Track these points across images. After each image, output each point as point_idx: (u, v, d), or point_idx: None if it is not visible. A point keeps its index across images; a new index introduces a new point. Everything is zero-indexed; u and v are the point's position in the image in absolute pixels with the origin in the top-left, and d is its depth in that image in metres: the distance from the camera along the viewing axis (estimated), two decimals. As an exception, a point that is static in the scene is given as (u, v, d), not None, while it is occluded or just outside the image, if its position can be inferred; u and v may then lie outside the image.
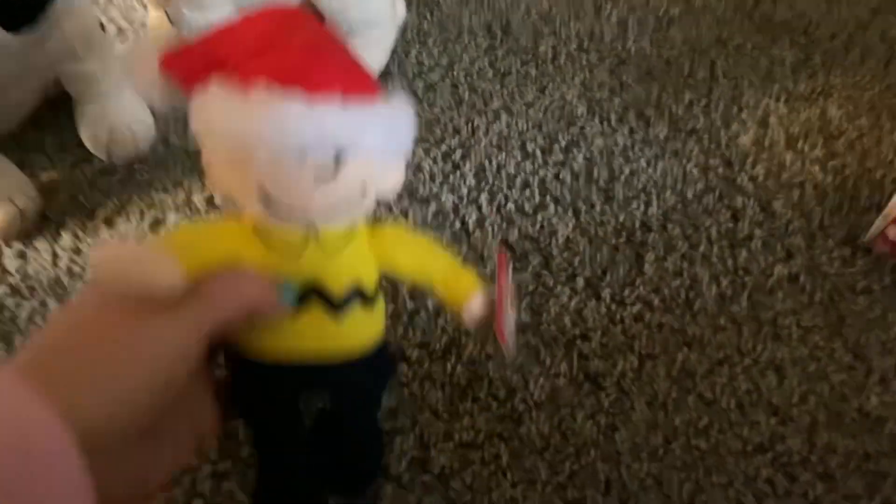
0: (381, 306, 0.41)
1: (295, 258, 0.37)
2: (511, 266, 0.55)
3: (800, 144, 0.70)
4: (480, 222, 0.64)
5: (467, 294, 0.41)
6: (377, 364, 0.41)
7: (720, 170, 0.68)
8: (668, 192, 0.66)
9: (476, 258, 0.61)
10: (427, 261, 0.42)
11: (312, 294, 0.37)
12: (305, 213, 0.36)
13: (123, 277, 0.32)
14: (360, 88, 0.36)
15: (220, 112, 0.35)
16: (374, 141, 0.36)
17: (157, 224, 0.65)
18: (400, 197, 0.65)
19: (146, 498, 0.33)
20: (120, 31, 0.83)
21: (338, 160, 0.35)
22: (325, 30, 0.39)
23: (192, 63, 0.37)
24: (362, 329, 0.40)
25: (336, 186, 0.36)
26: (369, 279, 0.39)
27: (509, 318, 0.43)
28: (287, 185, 0.35)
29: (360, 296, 0.39)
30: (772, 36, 0.82)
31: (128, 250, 0.33)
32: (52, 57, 0.64)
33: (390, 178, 0.38)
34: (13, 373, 0.28)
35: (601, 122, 0.73)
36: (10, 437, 0.25)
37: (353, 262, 0.39)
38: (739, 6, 0.86)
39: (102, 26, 0.70)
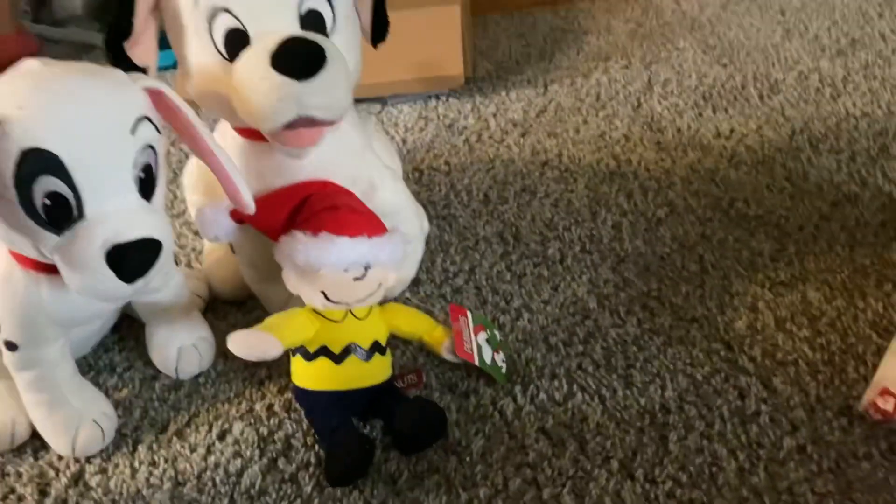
0: (389, 354, 0.72)
1: (340, 327, 0.69)
2: (470, 314, 0.76)
3: (788, 326, 0.79)
4: (518, 412, 0.71)
5: (442, 339, 0.74)
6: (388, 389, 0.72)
7: (722, 353, 0.77)
8: (680, 376, 0.74)
9: (517, 447, 0.68)
10: (416, 322, 0.76)
11: (353, 348, 0.68)
12: (347, 301, 0.68)
13: (249, 353, 0.66)
14: (377, 230, 0.68)
15: (298, 247, 0.65)
16: (385, 258, 0.67)
17: (223, 434, 0.72)
18: (443, 392, 0.73)
19: None
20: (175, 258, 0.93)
21: (366, 270, 0.67)
22: (354, 196, 0.72)
23: (277, 221, 0.70)
24: (380, 368, 0.71)
25: (365, 285, 0.67)
26: (383, 337, 0.71)
27: (473, 345, 0.73)
28: (338, 287, 0.67)
29: (378, 347, 0.70)
30: (749, 230, 0.93)
31: (248, 336, 0.65)
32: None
33: (392, 279, 0.70)
34: None
35: (612, 315, 0.82)
36: None
37: (373, 327, 0.71)
38: (716, 205, 0.98)
39: (176, 259, 0.80)
